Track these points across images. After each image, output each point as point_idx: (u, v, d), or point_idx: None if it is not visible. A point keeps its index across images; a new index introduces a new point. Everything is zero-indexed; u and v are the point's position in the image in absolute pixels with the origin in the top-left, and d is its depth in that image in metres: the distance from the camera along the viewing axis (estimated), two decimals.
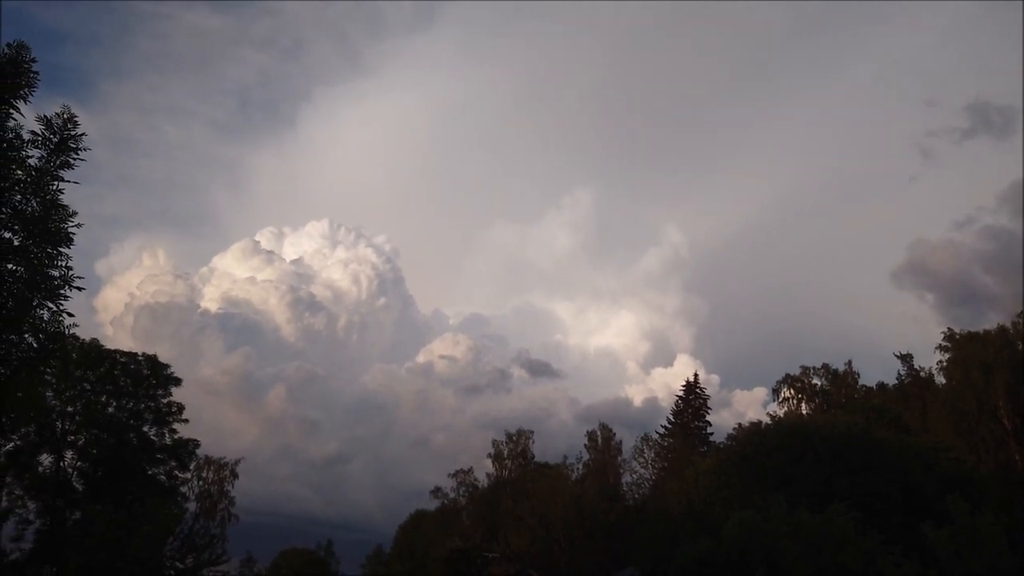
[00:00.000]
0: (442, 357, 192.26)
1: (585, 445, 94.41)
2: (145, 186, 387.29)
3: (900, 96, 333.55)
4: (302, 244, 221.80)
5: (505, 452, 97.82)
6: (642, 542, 63.55)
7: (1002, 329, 71.38)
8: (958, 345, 71.20)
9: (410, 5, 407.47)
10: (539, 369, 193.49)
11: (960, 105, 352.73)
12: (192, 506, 77.04)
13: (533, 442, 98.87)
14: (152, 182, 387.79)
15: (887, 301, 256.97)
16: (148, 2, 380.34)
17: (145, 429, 65.73)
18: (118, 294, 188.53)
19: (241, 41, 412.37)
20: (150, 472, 64.84)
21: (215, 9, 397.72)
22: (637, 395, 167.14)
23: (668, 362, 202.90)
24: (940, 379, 75.82)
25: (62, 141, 22.76)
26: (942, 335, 73.36)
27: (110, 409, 64.31)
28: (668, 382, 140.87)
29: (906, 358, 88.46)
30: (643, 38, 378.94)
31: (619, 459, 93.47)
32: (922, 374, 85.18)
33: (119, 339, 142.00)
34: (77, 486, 61.63)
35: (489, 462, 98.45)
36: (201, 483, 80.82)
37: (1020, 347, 70.39)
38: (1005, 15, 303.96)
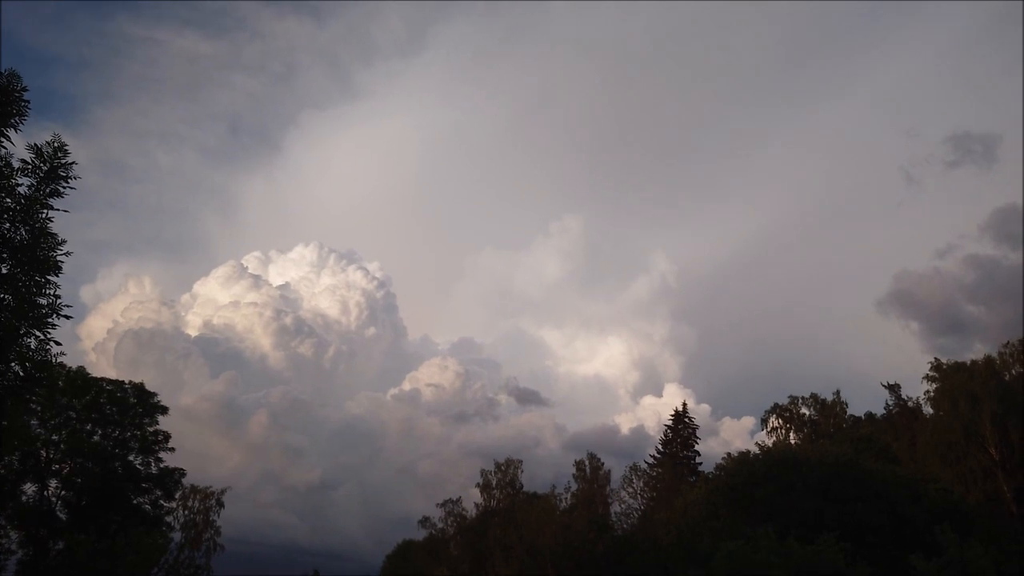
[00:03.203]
0: (429, 385, 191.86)
1: (573, 474, 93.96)
2: (134, 211, 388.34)
3: (884, 127, 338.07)
4: (289, 269, 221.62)
5: (493, 482, 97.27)
6: (631, 573, 63.15)
7: (988, 359, 71.77)
8: (945, 375, 71.51)
9: (402, 30, 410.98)
10: (527, 397, 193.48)
11: (942, 135, 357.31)
12: (177, 536, 76.47)
13: (522, 471, 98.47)
14: (142, 207, 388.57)
15: (874, 330, 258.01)
16: (139, 28, 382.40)
17: (131, 458, 65.04)
18: (102, 321, 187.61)
19: (231, 66, 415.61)
20: (135, 501, 64.13)
21: (206, 35, 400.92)
22: (625, 423, 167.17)
23: (657, 390, 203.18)
24: (928, 409, 76.15)
25: (52, 169, 22.72)
26: (929, 365, 73.80)
27: (95, 438, 63.65)
28: (658, 410, 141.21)
29: (894, 388, 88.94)
30: (634, 67, 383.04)
31: (608, 489, 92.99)
32: (910, 404, 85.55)
33: (101, 366, 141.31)
34: (61, 515, 60.86)
35: (477, 491, 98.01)
36: (186, 512, 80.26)
37: (1007, 377, 70.77)
38: (988, 45, 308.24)
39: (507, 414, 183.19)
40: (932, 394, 72.55)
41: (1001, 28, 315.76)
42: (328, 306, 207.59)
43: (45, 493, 60.17)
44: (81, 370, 64.88)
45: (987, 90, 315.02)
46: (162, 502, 66.85)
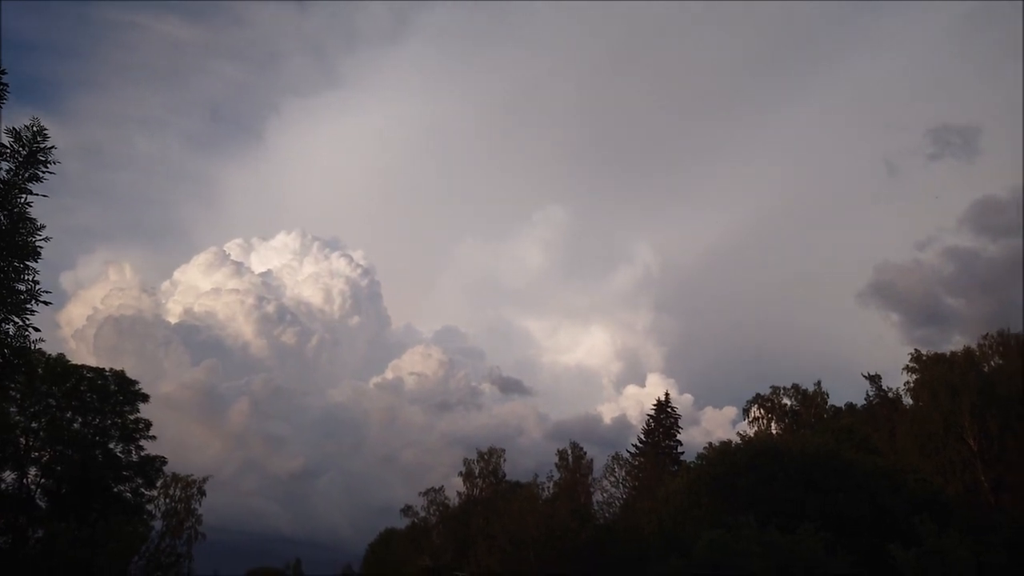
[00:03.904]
0: (412, 373, 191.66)
1: (556, 464, 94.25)
2: (115, 198, 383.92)
3: (866, 120, 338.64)
4: (271, 256, 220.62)
5: (476, 471, 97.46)
6: (613, 562, 63.44)
7: (968, 351, 72.28)
8: (925, 366, 71.91)
9: (386, 17, 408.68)
10: (510, 386, 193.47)
11: (923, 128, 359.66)
12: (158, 524, 76.15)
13: (504, 460, 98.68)
14: (122, 194, 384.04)
15: (855, 321, 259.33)
16: (119, 12, 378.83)
17: (111, 446, 64.60)
18: (82, 308, 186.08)
19: (214, 53, 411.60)
20: (116, 489, 63.74)
21: (188, 21, 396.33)
22: (608, 413, 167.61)
23: (639, 380, 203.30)
24: (908, 400, 76.55)
25: (31, 154, 22.46)
26: (909, 356, 74.19)
27: (76, 425, 63.18)
28: (640, 400, 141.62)
29: (874, 379, 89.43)
30: (617, 60, 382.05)
31: (590, 478, 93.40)
32: (890, 395, 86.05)
33: (81, 353, 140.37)
34: (40, 503, 60.41)
35: (460, 480, 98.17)
36: (168, 501, 79.91)
37: (986, 369, 71.34)
38: (967, 39, 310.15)
39: (490, 403, 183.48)
40: (912, 385, 72.93)
41: (980, 23, 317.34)
42: (311, 294, 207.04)
43: (24, 481, 59.72)
44: (61, 357, 64.35)
45: (966, 83, 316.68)
46: (143, 490, 66.46)
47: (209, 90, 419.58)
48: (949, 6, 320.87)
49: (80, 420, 63.57)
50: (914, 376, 72.56)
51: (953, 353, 72.41)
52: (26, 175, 22.44)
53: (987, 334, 74.54)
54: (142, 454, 65.90)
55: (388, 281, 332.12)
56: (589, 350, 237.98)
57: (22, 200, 22.41)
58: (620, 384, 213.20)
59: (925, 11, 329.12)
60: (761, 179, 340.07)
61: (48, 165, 22.65)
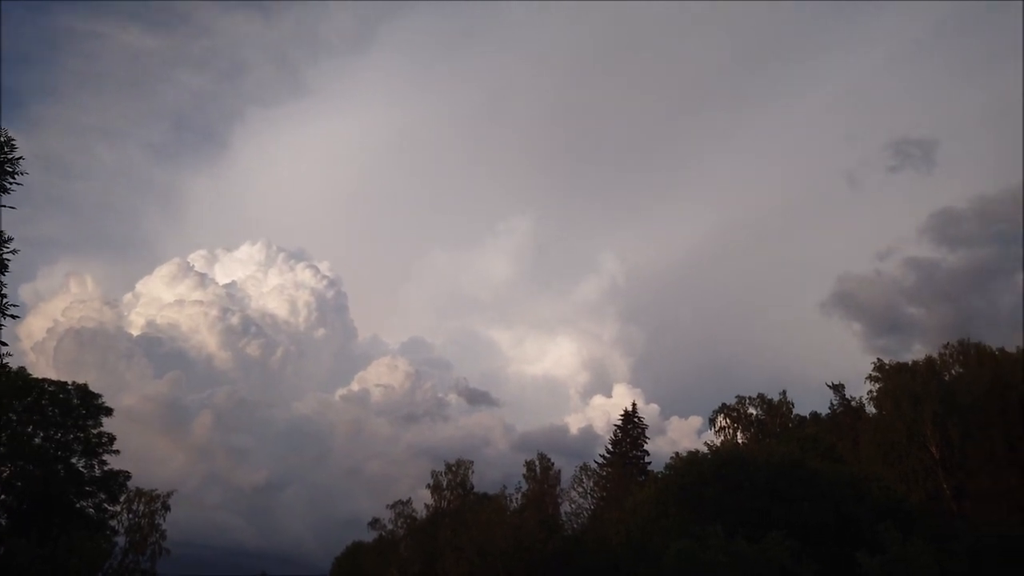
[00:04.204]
0: (378, 385, 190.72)
1: (523, 475, 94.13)
2: (77, 208, 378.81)
3: (827, 132, 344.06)
4: (235, 268, 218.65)
5: (444, 483, 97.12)
6: (581, 573, 63.46)
7: (929, 360, 73.45)
8: (887, 375, 72.92)
9: (352, 25, 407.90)
10: (477, 397, 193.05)
11: (883, 140, 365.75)
12: (121, 540, 74.93)
13: (472, 472, 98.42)
14: (84, 204, 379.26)
15: (818, 331, 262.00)
16: (81, 21, 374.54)
17: (73, 460, 63.83)
18: (42, 321, 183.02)
19: (177, 62, 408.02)
20: (78, 505, 62.91)
21: (150, 30, 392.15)
22: (575, 423, 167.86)
23: (606, 390, 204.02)
24: (871, 409, 77.53)
25: None
26: (872, 365, 75.20)
27: (37, 440, 62.35)
28: (607, 410, 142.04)
29: (838, 388, 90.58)
30: (583, 71, 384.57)
31: (557, 489, 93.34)
32: (853, 404, 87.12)
33: (40, 366, 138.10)
34: (0, 520, 59.45)
35: (427, 492, 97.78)
36: (131, 516, 78.71)
37: (947, 377, 72.49)
38: (927, 52, 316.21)
39: (457, 414, 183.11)
40: (875, 394, 73.93)
41: (938, 36, 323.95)
42: (276, 306, 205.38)
43: None
44: (22, 371, 63.47)
45: (925, 96, 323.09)
46: (106, 505, 65.70)
47: (172, 99, 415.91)
48: (907, 21, 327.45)
49: (41, 435, 62.79)
50: (877, 385, 73.59)
51: (915, 362, 73.59)
52: None
53: (948, 343, 75.93)
54: (105, 469, 65.14)
55: (355, 292, 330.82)
56: (556, 361, 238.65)
57: None
58: (587, 394, 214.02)
59: (884, 26, 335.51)
60: (724, 190, 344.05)
61: (15, 176, 22.37)
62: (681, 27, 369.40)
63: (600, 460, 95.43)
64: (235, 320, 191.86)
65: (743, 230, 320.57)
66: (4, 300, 22.69)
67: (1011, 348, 71.83)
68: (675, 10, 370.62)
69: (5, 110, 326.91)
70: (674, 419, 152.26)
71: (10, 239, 22.49)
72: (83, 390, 65.51)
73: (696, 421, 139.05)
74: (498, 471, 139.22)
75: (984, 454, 64.58)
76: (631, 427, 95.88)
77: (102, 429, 65.41)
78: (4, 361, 25.01)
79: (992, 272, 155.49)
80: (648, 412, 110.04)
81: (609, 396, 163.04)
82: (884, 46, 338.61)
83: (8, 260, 22.58)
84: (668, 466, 66.60)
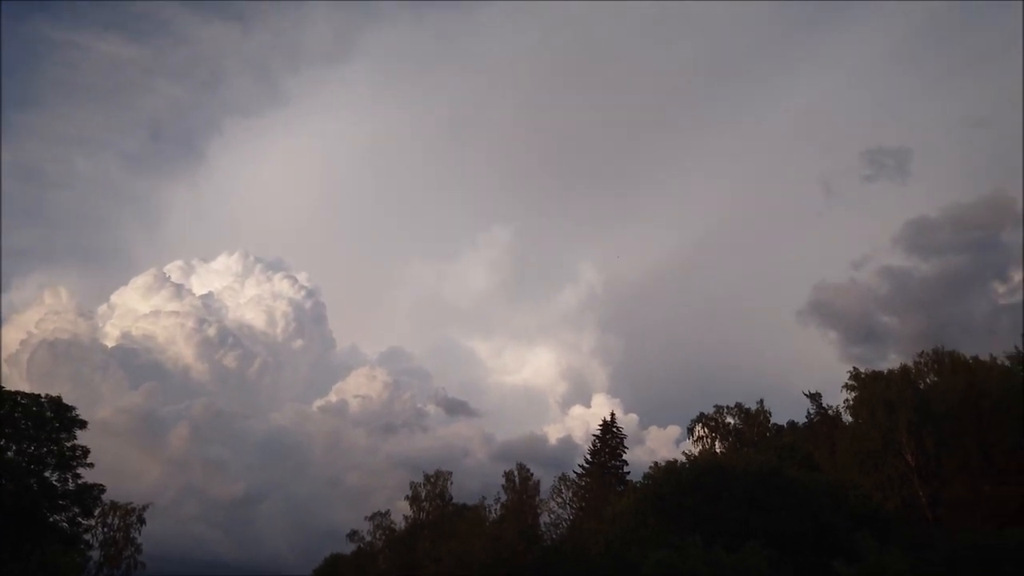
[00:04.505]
0: (356, 396, 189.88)
1: (503, 485, 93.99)
2: (52, 219, 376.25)
3: (803, 142, 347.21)
4: (212, 278, 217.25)
5: (423, 494, 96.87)
6: None
7: (905, 368, 74.00)
8: (863, 384, 73.39)
9: (330, 36, 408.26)
10: (456, 407, 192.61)
11: (858, 150, 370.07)
12: (96, 554, 74.21)
13: (451, 483, 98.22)
14: (59, 215, 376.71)
15: (795, 339, 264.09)
16: (59, 31, 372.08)
17: (47, 474, 63.11)
18: (16, 332, 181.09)
19: (155, 72, 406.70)
20: (51, 519, 62.19)
21: (128, 39, 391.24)
22: (554, 433, 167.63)
23: (585, 400, 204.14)
24: (847, 417, 78.04)
25: None
26: (848, 374, 75.70)
27: (10, 453, 61.65)
28: (586, 420, 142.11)
29: (815, 397, 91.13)
30: (560, 81, 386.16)
31: (537, 499, 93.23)
32: (830, 412, 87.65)
33: (13, 379, 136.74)
34: None
35: (406, 503, 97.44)
36: (106, 530, 78.04)
37: (922, 386, 73.08)
38: (901, 63, 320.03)
39: (435, 425, 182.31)
40: (851, 403, 74.38)
41: (912, 47, 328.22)
42: (254, 316, 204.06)
43: None
44: None
45: (899, 106, 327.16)
46: (80, 519, 64.98)
47: (150, 109, 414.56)
48: (882, 31, 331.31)
49: (14, 448, 62.12)
50: (853, 394, 74.04)
51: (890, 371, 74.11)
52: None
53: (922, 352, 76.42)
54: (79, 482, 64.48)
55: (333, 303, 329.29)
56: (535, 371, 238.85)
57: None
58: (566, 404, 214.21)
59: (859, 36, 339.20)
60: (702, 200, 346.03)
61: None
62: (656, 38, 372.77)
63: (579, 470, 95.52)
64: (212, 331, 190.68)
65: (720, 239, 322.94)
66: None
67: (985, 356, 72.63)
68: (650, 22, 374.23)
69: None
70: (652, 428, 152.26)
71: None
72: (56, 402, 64.87)
73: (674, 431, 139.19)
74: (477, 481, 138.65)
75: (959, 462, 65.14)
76: (610, 437, 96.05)
77: (76, 442, 64.73)
78: None
79: (966, 280, 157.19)
80: (627, 422, 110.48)
81: (588, 406, 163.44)
82: (858, 56, 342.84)
83: None
84: (647, 476, 66.71)
